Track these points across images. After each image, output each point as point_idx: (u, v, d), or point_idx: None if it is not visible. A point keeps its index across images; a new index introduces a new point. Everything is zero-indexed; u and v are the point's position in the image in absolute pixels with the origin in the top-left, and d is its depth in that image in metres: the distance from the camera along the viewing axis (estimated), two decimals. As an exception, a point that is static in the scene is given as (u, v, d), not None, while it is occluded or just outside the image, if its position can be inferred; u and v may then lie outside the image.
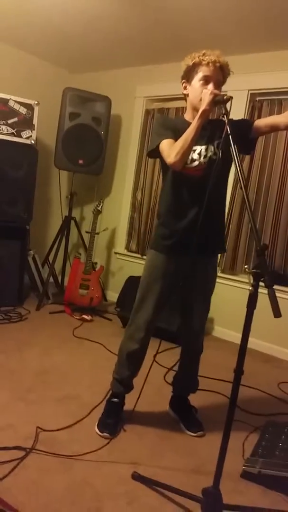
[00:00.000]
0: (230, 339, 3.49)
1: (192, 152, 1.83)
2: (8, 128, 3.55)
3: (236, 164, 1.53)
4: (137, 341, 2.02)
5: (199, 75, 1.81)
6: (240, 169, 1.50)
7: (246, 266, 1.37)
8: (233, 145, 1.55)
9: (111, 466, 1.78)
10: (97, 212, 3.92)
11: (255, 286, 1.35)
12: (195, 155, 1.85)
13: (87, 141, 3.93)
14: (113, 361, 2.15)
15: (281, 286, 3.29)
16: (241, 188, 1.50)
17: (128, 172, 4.30)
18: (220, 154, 1.82)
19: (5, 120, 3.53)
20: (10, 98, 3.52)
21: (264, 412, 2.38)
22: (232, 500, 1.62)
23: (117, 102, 4.08)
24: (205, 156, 1.86)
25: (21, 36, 3.75)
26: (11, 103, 3.54)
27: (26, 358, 2.77)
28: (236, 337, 1.37)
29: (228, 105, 1.68)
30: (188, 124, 1.80)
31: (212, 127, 1.86)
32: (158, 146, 1.85)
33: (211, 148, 1.87)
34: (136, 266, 4.08)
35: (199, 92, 1.79)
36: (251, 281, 1.35)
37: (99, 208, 3.92)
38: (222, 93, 1.78)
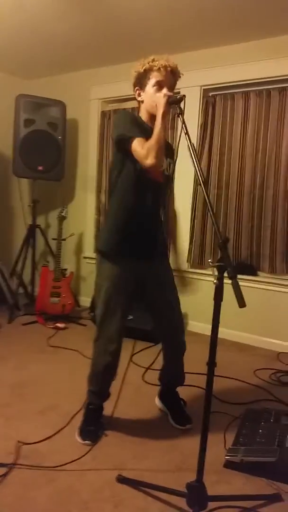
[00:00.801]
0: (204, 332, 3.53)
1: None
2: None
3: (193, 162, 1.55)
4: (110, 353, 1.98)
5: (152, 81, 1.84)
6: (198, 167, 1.53)
7: (210, 260, 1.39)
8: (190, 143, 1.58)
9: (95, 472, 1.77)
10: (61, 218, 3.88)
11: (220, 279, 1.37)
12: None
13: (45, 147, 3.88)
14: (90, 366, 2.13)
15: (249, 276, 3.37)
16: (199, 184, 1.53)
17: (89, 175, 4.28)
18: (171, 171, 1.98)
19: None
20: None
21: (243, 400, 2.43)
22: (217, 490, 1.65)
23: (72, 106, 4.06)
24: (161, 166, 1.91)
25: None
26: None
27: (1, 372, 2.71)
28: (210, 329, 1.40)
29: (181, 104, 1.71)
30: (149, 126, 1.84)
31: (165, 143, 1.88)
32: (129, 140, 1.78)
33: (166, 162, 1.93)
34: (106, 268, 4.06)
35: (154, 98, 1.81)
36: (215, 274, 1.37)
37: (63, 214, 3.88)
38: (175, 93, 1.83)
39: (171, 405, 2.23)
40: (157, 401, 2.30)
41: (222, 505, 1.57)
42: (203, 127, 3.56)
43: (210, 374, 1.44)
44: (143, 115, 1.94)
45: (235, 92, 3.43)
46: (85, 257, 4.39)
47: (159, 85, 1.83)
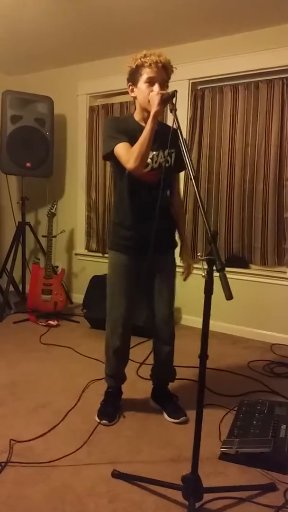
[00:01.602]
0: (197, 325, 3.52)
1: None
2: None
3: (185, 158, 1.55)
4: (118, 336, 2.09)
5: (144, 77, 1.85)
6: (189, 163, 1.53)
7: (199, 254, 1.40)
8: (182, 139, 1.59)
9: (90, 468, 1.77)
10: (51, 215, 3.85)
11: (209, 272, 1.38)
12: (148, 160, 1.88)
13: (33, 143, 3.85)
14: (84, 363, 2.14)
15: (241, 269, 3.38)
16: (190, 179, 1.53)
17: (79, 172, 4.25)
18: (172, 162, 1.97)
19: None
20: None
21: (237, 392, 2.43)
22: (212, 482, 1.66)
23: (60, 101, 4.02)
24: (156, 162, 1.93)
25: None
26: None
27: (-7, 371, 2.69)
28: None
29: (174, 99, 1.72)
30: (139, 126, 1.85)
31: (163, 133, 1.84)
32: (113, 150, 1.86)
33: (162, 154, 1.93)
34: (99, 265, 4.04)
35: (146, 94, 1.83)
36: (204, 267, 1.38)
37: (53, 211, 3.85)
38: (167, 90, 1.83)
39: (164, 402, 2.24)
40: (151, 403, 2.30)
41: (217, 496, 1.57)
42: (192, 120, 3.55)
43: (202, 366, 1.44)
44: (137, 111, 1.97)
45: (223, 85, 3.42)
46: (76, 254, 4.37)
47: (150, 82, 1.83)
